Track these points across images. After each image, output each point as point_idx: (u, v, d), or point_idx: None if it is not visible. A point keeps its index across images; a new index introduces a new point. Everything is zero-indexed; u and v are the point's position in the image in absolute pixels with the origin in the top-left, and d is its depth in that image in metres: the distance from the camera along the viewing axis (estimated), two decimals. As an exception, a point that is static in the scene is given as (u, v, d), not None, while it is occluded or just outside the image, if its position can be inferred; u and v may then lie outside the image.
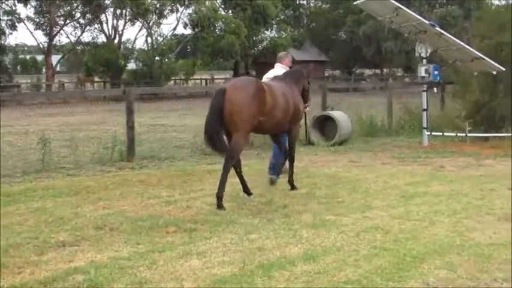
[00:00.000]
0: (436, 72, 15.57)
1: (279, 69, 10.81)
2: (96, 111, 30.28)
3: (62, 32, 55.02)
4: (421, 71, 15.74)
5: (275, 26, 63.62)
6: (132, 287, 5.34)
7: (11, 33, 53.25)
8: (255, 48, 62.68)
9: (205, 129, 9.06)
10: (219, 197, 8.60)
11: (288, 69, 10.79)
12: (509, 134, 15.55)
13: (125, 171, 11.99)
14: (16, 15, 52.27)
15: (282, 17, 65.87)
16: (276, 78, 10.31)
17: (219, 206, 8.49)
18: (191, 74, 58.93)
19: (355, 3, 19.15)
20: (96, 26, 56.14)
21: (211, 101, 9.13)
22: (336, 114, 16.16)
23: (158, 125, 23.05)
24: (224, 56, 58.72)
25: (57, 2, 51.49)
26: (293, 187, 9.73)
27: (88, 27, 55.80)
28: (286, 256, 6.14)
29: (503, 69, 15.08)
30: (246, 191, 9.24)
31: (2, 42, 51.89)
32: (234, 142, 8.93)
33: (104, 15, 54.85)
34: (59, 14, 53.63)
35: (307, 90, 10.53)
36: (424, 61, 15.75)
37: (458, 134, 15.91)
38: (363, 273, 5.59)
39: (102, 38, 56.28)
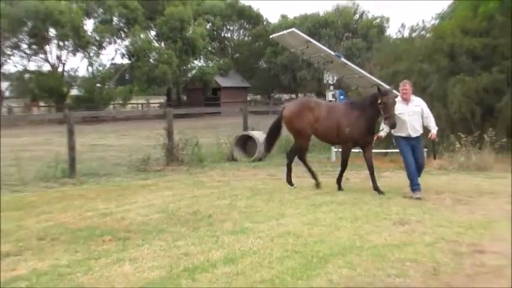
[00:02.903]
0: (341, 97, 15.88)
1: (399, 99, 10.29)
2: (41, 133, 29.70)
3: (9, 61, 53.74)
4: (329, 96, 16.04)
5: (203, 56, 63.62)
6: (69, 291, 5.27)
7: (-40, 62, 51.82)
8: (185, 76, 62.58)
9: (266, 135, 12.28)
10: (318, 183, 11.11)
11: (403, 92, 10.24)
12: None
13: (67, 187, 11.77)
14: (-35, 46, 50.92)
15: (209, 48, 66.02)
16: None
17: (318, 186, 11.05)
18: (128, 99, 58.52)
19: (271, 36, 19.40)
20: (41, 56, 54.99)
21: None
22: (256, 133, 16.26)
23: (98, 145, 22.74)
24: (158, 83, 58.35)
25: (5, 34, 50.28)
26: (340, 188, 10.91)
27: (34, 57, 54.63)
28: (209, 260, 6.15)
29: (398, 94, 15.45)
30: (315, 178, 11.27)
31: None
32: (296, 146, 11.54)
33: (48, 46, 53.87)
34: (7, 45, 52.36)
35: (377, 114, 10.20)
36: (332, 87, 16.05)
37: (361, 150, 16.25)
38: (276, 274, 5.65)
39: (47, 67, 55.16)
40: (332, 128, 10.78)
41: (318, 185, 11.06)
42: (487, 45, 16.72)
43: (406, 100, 10.15)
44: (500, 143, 13.56)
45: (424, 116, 10.07)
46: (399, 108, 9.99)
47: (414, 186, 9.82)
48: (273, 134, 11.88)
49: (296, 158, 11.46)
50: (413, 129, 10.01)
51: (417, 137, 10.09)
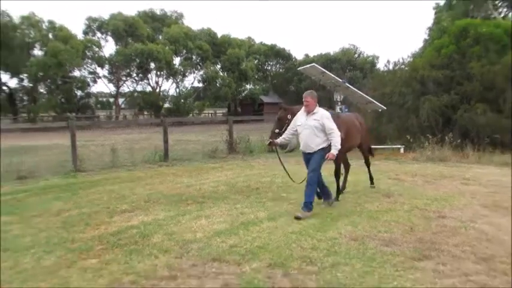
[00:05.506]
0: (346, 110, 15.69)
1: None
2: (145, 132, 30.13)
3: (124, 84, 54.75)
4: (337, 109, 15.86)
5: (252, 82, 63.78)
6: (165, 236, 5.34)
7: (93, 85, 52.94)
8: (240, 95, 62.85)
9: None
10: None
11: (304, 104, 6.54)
12: (389, 146, 15.72)
13: (163, 167, 11.93)
14: (96, 74, 52.08)
15: (256, 76, 66.07)
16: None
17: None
18: (202, 110, 58.99)
19: (298, 68, 19.31)
20: (145, 81, 55.84)
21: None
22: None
23: (183, 140, 22.94)
24: (222, 100, 59.02)
25: (121, 67, 51.28)
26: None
27: (140, 82, 55.52)
28: (257, 217, 6.17)
29: (385, 108, 15.27)
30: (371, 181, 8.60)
31: (88, 90, 51.66)
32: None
33: (149, 75, 54.68)
34: (122, 74, 53.36)
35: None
36: (339, 103, 15.88)
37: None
38: (303, 227, 5.64)
39: (148, 88, 56.01)
40: None
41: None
42: (447, 75, 16.42)
43: (307, 112, 6.51)
44: (455, 143, 13.34)
45: (326, 131, 6.33)
46: (299, 119, 6.59)
47: (324, 198, 6.97)
48: None
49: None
50: (306, 144, 6.48)
51: (312, 153, 6.44)
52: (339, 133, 6.31)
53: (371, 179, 8.72)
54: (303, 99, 6.50)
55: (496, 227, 5.68)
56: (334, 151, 6.23)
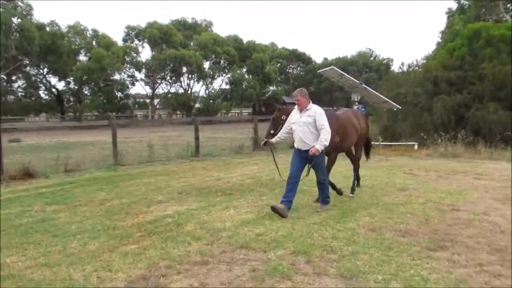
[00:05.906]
0: (363, 109, 15.50)
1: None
2: (178, 130, 30.44)
3: (159, 86, 55.40)
4: (354, 108, 15.69)
5: (275, 84, 63.67)
6: (197, 225, 5.35)
7: (132, 87, 53.80)
8: (264, 96, 62.81)
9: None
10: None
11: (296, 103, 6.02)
12: (404, 143, 15.44)
13: (194, 162, 11.96)
14: (134, 77, 52.87)
15: (279, 79, 65.89)
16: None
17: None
18: (229, 110, 59.22)
19: (318, 71, 19.14)
20: (178, 83, 56.36)
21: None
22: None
23: (212, 137, 23.10)
24: (247, 100, 59.07)
25: (156, 71, 51.87)
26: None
27: (173, 84, 56.09)
28: (282, 209, 6.11)
29: (400, 107, 15.01)
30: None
31: (127, 92, 52.48)
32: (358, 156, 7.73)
33: (182, 77, 55.11)
34: (158, 77, 53.94)
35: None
36: (356, 103, 15.70)
37: (375, 143, 15.85)
38: (323, 218, 5.58)
39: (181, 90, 56.54)
40: None
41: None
42: (459, 76, 16.03)
43: (300, 110, 5.96)
44: (468, 139, 13.02)
45: (318, 127, 5.78)
46: (294, 117, 6.04)
47: (283, 198, 5.88)
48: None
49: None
50: (301, 141, 5.85)
51: (307, 151, 5.78)
52: (329, 130, 5.78)
53: (355, 183, 7.46)
54: (294, 98, 5.99)
55: (508, 219, 5.49)
56: (319, 146, 5.67)
